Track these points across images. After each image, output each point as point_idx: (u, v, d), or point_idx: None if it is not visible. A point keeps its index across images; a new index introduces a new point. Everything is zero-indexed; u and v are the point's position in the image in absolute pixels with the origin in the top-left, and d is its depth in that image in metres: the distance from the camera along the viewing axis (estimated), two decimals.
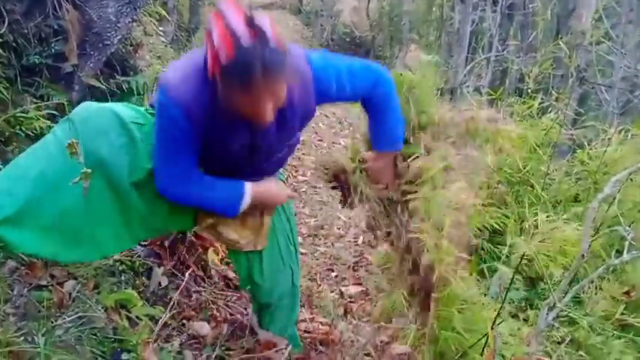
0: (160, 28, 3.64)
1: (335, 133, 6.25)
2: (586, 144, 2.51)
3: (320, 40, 10.10)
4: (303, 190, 4.59)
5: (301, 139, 1.73)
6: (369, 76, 1.47)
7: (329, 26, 7.99)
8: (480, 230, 2.38)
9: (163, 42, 3.48)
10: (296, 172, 4.85)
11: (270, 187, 1.50)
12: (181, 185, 1.35)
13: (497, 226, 2.42)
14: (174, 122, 1.25)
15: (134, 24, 2.81)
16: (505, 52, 5.15)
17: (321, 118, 6.54)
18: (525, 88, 2.82)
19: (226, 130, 1.30)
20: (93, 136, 1.31)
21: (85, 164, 1.23)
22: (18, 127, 2.23)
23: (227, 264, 2.25)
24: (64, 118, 1.42)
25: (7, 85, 2.27)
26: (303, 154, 5.27)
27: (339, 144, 5.83)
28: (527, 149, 2.53)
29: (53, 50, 2.32)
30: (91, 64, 2.47)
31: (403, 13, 8.12)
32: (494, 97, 2.51)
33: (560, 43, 2.48)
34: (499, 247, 2.36)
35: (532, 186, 2.45)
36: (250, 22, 1.09)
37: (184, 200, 1.39)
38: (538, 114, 2.55)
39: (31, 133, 2.26)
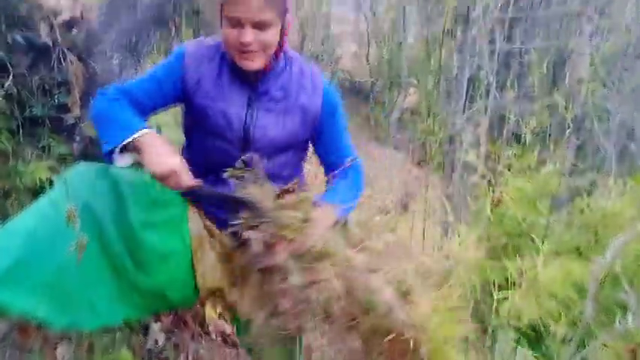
0: None
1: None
2: (585, 194, 2.51)
3: None
4: None
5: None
6: (354, 151, 1.57)
7: (329, 71, 8.17)
8: (481, 285, 2.37)
9: None
10: None
11: (163, 148, 1.26)
12: (115, 91, 1.37)
13: (498, 280, 2.39)
14: (170, 58, 1.42)
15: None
16: (502, 99, 5.23)
17: None
18: (523, 135, 2.84)
19: (223, 91, 1.38)
20: (85, 192, 1.30)
21: (79, 220, 1.21)
22: (18, 179, 2.24)
23: (225, 319, 2.20)
24: (58, 179, 1.42)
25: (10, 136, 2.30)
26: None
27: None
28: (526, 201, 2.53)
29: (56, 102, 2.37)
30: None
31: (402, 59, 8.30)
32: (492, 150, 2.52)
33: (556, 95, 2.52)
34: (500, 301, 2.32)
35: (532, 239, 2.44)
36: None
37: (100, 101, 1.37)
38: (536, 166, 2.56)
39: (31, 186, 2.27)
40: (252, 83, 1.40)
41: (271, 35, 1.30)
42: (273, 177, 1.39)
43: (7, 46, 2.15)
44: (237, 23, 1.26)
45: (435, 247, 2.61)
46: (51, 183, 2.34)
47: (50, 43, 2.31)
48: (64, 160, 2.44)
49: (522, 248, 2.45)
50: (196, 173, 1.31)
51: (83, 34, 2.36)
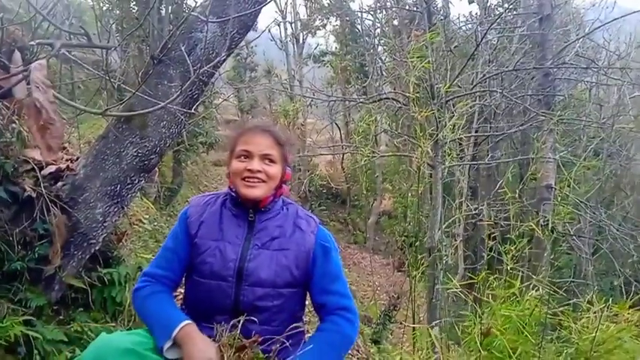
0: (145, 216, 3.72)
1: None
2: (572, 323, 2.52)
3: (298, 193, 10.49)
4: None
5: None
6: (348, 300, 1.55)
7: (306, 179, 8.41)
8: None
9: (147, 229, 3.54)
10: None
11: (200, 341, 1.39)
12: (146, 283, 1.54)
13: None
14: (179, 220, 1.58)
15: (121, 219, 2.86)
16: (477, 208, 5.37)
17: None
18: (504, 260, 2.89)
19: (221, 230, 1.51)
20: None
21: None
22: None
23: None
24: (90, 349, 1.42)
25: None
26: None
27: None
28: (513, 330, 2.52)
29: (37, 254, 2.31)
30: (74, 264, 2.45)
31: (376, 166, 8.58)
32: (474, 280, 2.55)
33: (531, 222, 2.62)
34: None
35: None
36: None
37: (137, 298, 1.53)
38: (520, 293, 2.59)
39: (4, 343, 2.16)
40: (250, 222, 1.52)
41: (276, 170, 1.52)
42: (266, 323, 1.46)
43: None
44: (248, 156, 1.50)
45: None
46: (27, 338, 2.24)
47: (34, 195, 2.32)
48: (40, 313, 2.36)
49: None
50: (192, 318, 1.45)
51: (68, 186, 2.38)
